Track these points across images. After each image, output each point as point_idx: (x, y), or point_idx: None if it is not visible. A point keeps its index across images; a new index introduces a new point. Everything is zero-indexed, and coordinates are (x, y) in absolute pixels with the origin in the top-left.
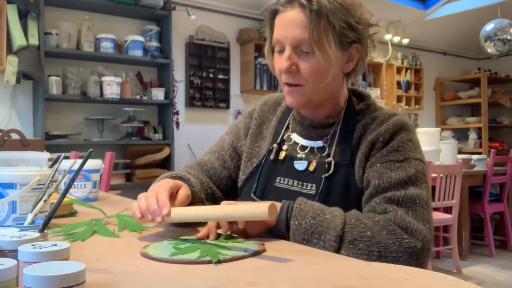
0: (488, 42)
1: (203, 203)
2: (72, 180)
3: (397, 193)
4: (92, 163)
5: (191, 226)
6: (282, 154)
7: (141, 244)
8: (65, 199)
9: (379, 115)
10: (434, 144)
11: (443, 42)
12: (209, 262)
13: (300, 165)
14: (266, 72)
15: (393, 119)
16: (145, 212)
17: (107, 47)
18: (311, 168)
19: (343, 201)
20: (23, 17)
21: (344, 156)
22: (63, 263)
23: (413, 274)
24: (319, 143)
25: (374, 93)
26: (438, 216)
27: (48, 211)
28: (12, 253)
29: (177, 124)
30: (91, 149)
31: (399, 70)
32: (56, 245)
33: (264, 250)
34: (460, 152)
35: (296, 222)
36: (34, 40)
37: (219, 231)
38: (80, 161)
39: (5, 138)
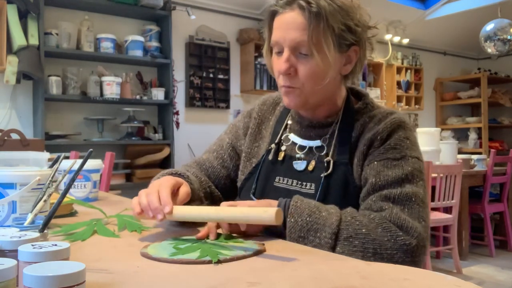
0: (488, 42)
1: (201, 202)
2: (72, 180)
3: (393, 191)
4: (92, 163)
5: (191, 226)
6: (281, 155)
7: (141, 244)
8: (65, 199)
9: (377, 113)
10: (434, 144)
11: (443, 42)
12: (209, 262)
13: (299, 165)
14: (266, 72)
15: (390, 117)
16: (146, 208)
17: (107, 47)
18: (310, 167)
19: (342, 200)
20: (23, 17)
21: (343, 155)
22: (63, 263)
23: (413, 274)
24: (318, 143)
25: (374, 93)
26: (438, 216)
27: (48, 211)
28: (12, 253)
29: (177, 124)
30: (91, 149)
31: (399, 70)
32: (56, 245)
33: (264, 250)
34: (460, 152)
35: (292, 220)
36: (34, 40)
37: (219, 231)
38: (80, 161)
39: (5, 138)
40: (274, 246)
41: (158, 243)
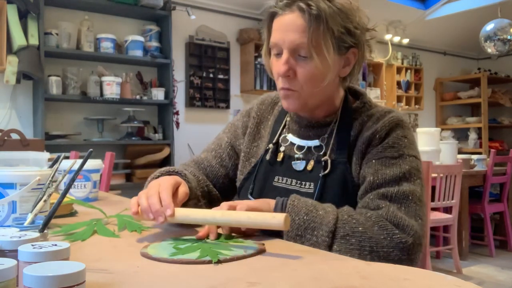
0: (488, 42)
1: (198, 200)
2: (72, 180)
3: (390, 189)
4: (92, 163)
5: (191, 226)
6: (280, 156)
7: (141, 244)
8: (65, 199)
9: (375, 112)
10: (434, 144)
11: (443, 42)
12: (209, 262)
13: (298, 165)
14: (266, 72)
15: (389, 116)
16: (147, 211)
17: (107, 47)
18: (309, 167)
19: (341, 198)
20: (23, 17)
21: (342, 154)
22: (63, 263)
23: (413, 274)
24: (316, 142)
25: (374, 93)
26: (438, 216)
27: (48, 211)
28: (12, 253)
29: (177, 124)
30: (91, 149)
31: (399, 70)
32: (56, 245)
33: (264, 250)
34: (460, 152)
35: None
36: (34, 40)
37: (219, 230)
38: (80, 161)
39: (5, 138)
40: (274, 246)
41: (158, 243)
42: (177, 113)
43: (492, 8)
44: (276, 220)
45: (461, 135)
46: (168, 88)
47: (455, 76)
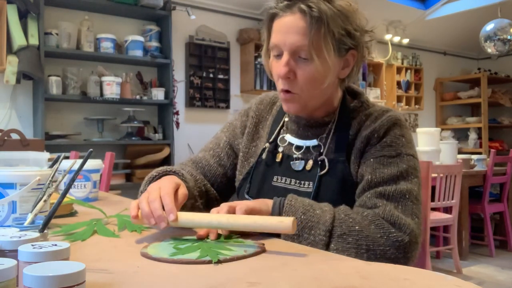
0: (488, 42)
1: (195, 200)
2: (72, 180)
3: (387, 188)
4: (92, 163)
5: None
6: (279, 156)
7: (141, 244)
8: (65, 199)
9: (373, 111)
10: (434, 144)
11: (443, 42)
12: (209, 262)
13: (297, 165)
14: (266, 72)
15: (386, 115)
16: (148, 216)
17: (107, 47)
18: (308, 167)
19: (340, 197)
20: (23, 17)
21: (340, 153)
22: (63, 263)
23: (413, 274)
24: (314, 142)
25: (374, 93)
26: (438, 216)
27: (48, 211)
28: (12, 253)
29: (177, 124)
30: (91, 149)
31: (399, 70)
32: (56, 245)
33: (264, 250)
34: (460, 152)
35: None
36: (34, 40)
37: (219, 231)
38: (80, 161)
39: (5, 138)
40: (274, 246)
41: (158, 243)
42: (177, 113)
43: (492, 8)
44: (285, 224)
45: (461, 135)
46: (168, 88)
47: (455, 76)
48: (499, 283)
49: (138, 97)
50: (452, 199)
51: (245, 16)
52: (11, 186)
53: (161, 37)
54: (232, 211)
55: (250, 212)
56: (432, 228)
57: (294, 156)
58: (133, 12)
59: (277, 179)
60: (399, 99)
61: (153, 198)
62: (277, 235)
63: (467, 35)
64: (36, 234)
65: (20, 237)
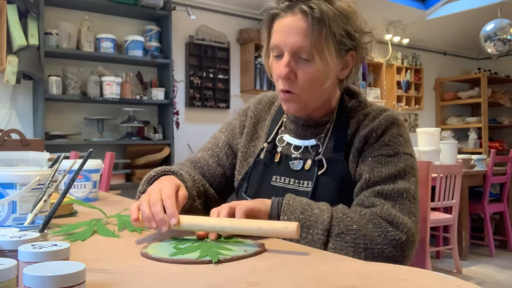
0: (488, 42)
1: (194, 200)
2: (72, 180)
3: (385, 187)
4: (92, 163)
5: None
6: (278, 156)
7: (141, 244)
8: (65, 199)
9: (370, 111)
10: (434, 144)
11: (443, 42)
12: (209, 262)
13: (295, 165)
14: (266, 72)
15: (384, 114)
16: (150, 219)
17: (107, 47)
18: (307, 166)
19: (339, 196)
20: (23, 17)
21: (339, 152)
22: (63, 263)
23: (413, 274)
24: (313, 142)
25: (374, 93)
26: (438, 216)
27: (48, 211)
28: (12, 253)
29: (177, 124)
30: (91, 149)
31: (399, 70)
32: (56, 245)
33: (264, 250)
34: (460, 152)
35: (285, 218)
36: (34, 40)
37: None
38: (80, 161)
39: (5, 138)
40: (274, 246)
41: (158, 243)
42: (177, 113)
43: (492, 8)
44: (289, 230)
45: (461, 135)
46: (168, 88)
47: (455, 76)
48: (499, 283)
49: (138, 97)
50: (452, 199)
51: (245, 16)
52: (11, 186)
53: (161, 37)
54: (232, 211)
55: (250, 212)
56: (432, 228)
57: (293, 156)
58: (133, 12)
59: (276, 178)
60: (399, 99)
61: (154, 201)
62: None
63: (467, 35)
64: (36, 234)
65: (20, 237)
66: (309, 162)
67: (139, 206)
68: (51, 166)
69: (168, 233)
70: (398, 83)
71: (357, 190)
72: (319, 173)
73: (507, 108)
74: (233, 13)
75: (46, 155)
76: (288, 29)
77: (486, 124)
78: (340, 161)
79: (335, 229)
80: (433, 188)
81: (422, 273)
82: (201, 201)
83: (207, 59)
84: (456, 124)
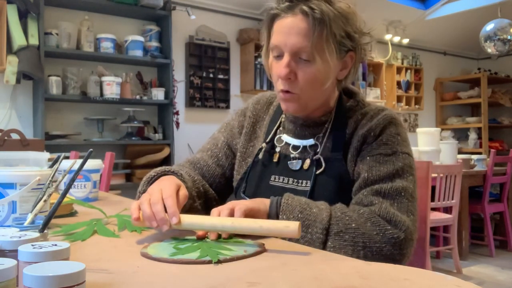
0: (488, 42)
1: (193, 201)
2: (72, 180)
3: (383, 186)
4: (92, 163)
5: None
6: (276, 156)
7: (141, 244)
8: (65, 199)
9: (368, 110)
10: (434, 144)
11: (443, 42)
12: (209, 262)
13: (294, 165)
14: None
15: (382, 114)
16: (151, 219)
17: (107, 47)
18: (305, 166)
19: (337, 195)
20: (23, 17)
21: (337, 152)
22: (63, 263)
23: (413, 274)
24: (311, 141)
25: (374, 93)
26: (438, 216)
27: (48, 211)
28: (12, 253)
29: (177, 124)
30: (91, 149)
31: (399, 70)
32: (56, 245)
33: (264, 250)
34: (460, 152)
35: (284, 217)
36: (34, 40)
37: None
38: (80, 161)
39: (5, 138)
40: (274, 246)
41: (158, 243)
42: (177, 113)
43: (492, 8)
44: (290, 229)
45: (461, 135)
46: (168, 88)
47: (455, 76)
48: (499, 283)
49: (138, 97)
50: (452, 199)
51: (245, 16)
52: (11, 186)
53: (161, 37)
54: (232, 212)
55: (249, 211)
56: (432, 228)
57: (291, 155)
58: (133, 12)
59: (275, 178)
60: (399, 99)
61: (155, 200)
62: None
63: (467, 35)
64: (36, 234)
65: (20, 237)
66: (307, 161)
67: (139, 206)
68: (51, 166)
69: (168, 233)
70: (398, 83)
71: (356, 189)
72: (318, 172)
73: (507, 108)
74: (233, 13)
75: (46, 155)
76: (289, 29)
77: (486, 124)
78: (338, 161)
79: (334, 228)
80: (433, 188)
81: (422, 273)
82: (201, 201)
83: (207, 59)
84: (456, 124)
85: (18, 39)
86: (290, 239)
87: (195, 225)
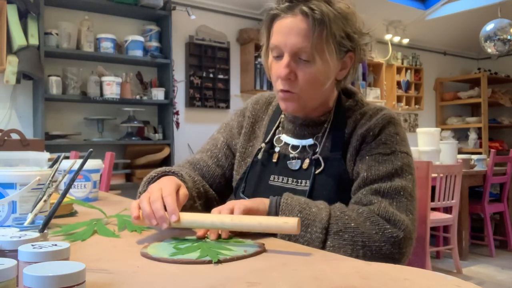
0: (488, 42)
1: (194, 201)
2: (72, 180)
3: (383, 185)
4: (92, 163)
5: None
6: (275, 156)
7: (141, 244)
8: (65, 199)
9: (367, 110)
10: (434, 144)
11: (443, 42)
12: (209, 262)
13: (293, 165)
14: None
15: (381, 113)
16: (150, 216)
17: (107, 47)
18: (305, 165)
19: (337, 195)
20: (23, 17)
21: (336, 151)
22: (63, 263)
23: (413, 274)
24: (310, 141)
25: (374, 93)
26: (438, 216)
27: (48, 211)
28: (12, 253)
29: (177, 124)
30: (91, 149)
31: (399, 70)
32: (56, 245)
33: (264, 250)
34: (460, 152)
35: (283, 217)
36: (34, 40)
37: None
38: (80, 161)
39: (5, 138)
40: (274, 246)
41: (158, 243)
42: (177, 113)
43: (492, 8)
44: (289, 225)
45: (461, 135)
46: (168, 88)
47: (455, 76)
48: (499, 283)
49: (138, 97)
50: (452, 199)
51: (245, 16)
52: (11, 186)
53: (161, 37)
54: (231, 211)
55: (248, 211)
56: (432, 228)
57: (291, 155)
58: (133, 12)
59: (274, 178)
60: (399, 99)
61: (155, 198)
62: (274, 234)
63: (467, 35)
64: (36, 234)
65: (20, 237)
66: (306, 161)
67: (139, 204)
68: (51, 166)
69: (168, 233)
70: (398, 83)
71: (355, 188)
72: (317, 172)
73: (507, 108)
74: (233, 13)
75: (46, 155)
76: (288, 30)
77: (486, 124)
78: (337, 160)
79: (333, 227)
80: (433, 188)
81: (422, 273)
82: (201, 202)
83: (207, 59)
84: (456, 124)
85: (18, 39)
86: (289, 239)
87: (194, 223)
